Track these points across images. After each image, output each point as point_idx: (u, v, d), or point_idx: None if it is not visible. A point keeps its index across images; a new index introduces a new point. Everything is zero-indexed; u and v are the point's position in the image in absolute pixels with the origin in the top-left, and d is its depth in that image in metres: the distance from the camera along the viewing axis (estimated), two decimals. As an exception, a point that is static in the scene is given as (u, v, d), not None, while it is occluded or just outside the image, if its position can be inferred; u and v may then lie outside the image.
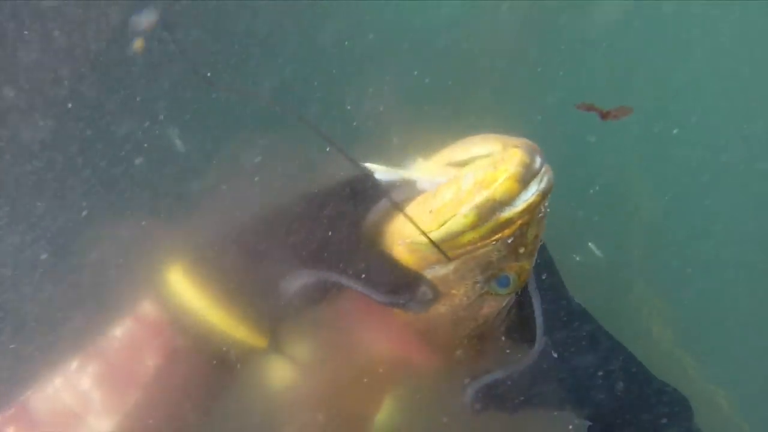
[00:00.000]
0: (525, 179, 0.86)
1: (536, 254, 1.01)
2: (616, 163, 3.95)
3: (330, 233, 0.99)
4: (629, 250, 3.77)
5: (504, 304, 1.07)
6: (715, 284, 4.33)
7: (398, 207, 0.95)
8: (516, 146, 0.88)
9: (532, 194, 0.88)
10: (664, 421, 1.11)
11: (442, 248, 0.91)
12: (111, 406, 0.93)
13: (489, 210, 0.87)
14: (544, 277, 1.09)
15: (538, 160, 0.88)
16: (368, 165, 1.01)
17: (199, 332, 0.99)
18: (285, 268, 1.01)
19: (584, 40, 4.08)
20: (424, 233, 0.90)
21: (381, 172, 1.01)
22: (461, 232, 0.90)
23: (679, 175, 4.57)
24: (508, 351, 1.14)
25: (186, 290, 0.99)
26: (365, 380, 1.15)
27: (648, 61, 4.40)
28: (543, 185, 0.89)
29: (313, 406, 1.13)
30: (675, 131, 4.35)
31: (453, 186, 0.90)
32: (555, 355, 1.07)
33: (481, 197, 0.86)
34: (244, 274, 1.01)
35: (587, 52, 4.23)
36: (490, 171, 0.87)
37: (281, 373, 1.20)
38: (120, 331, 0.99)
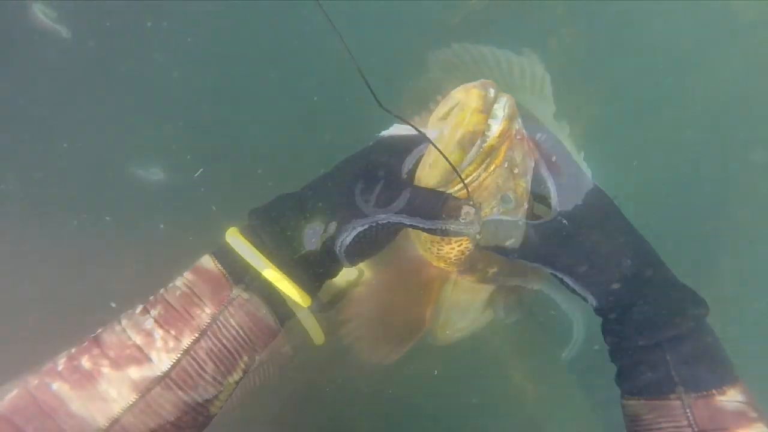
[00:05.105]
0: (486, 108, 1.10)
1: (529, 173, 1.22)
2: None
3: (371, 182, 1.14)
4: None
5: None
6: None
7: (425, 138, 1.10)
8: (474, 86, 1.11)
9: (501, 120, 1.12)
10: (667, 311, 1.14)
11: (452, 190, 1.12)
12: (170, 345, 1.04)
13: (469, 142, 1.09)
14: (553, 159, 1.24)
15: (491, 91, 1.11)
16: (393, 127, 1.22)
17: (251, 285, 1.13)
18: (336, 222, 1.14)
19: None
20: (450, 162, 1.07)
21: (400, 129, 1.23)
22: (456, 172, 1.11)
23: None
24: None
25: (242, 247, 1.13)
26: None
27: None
28: (507, 110, 1.12)
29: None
30: None
31: (439, 137, 1.12)
32: (565, 222, 1.18)
33: (458, 134, 1.09)
34: (296, 233, 1.15)
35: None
36: (459, 113, 1.10)
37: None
38: (180, 282, 1.11)
